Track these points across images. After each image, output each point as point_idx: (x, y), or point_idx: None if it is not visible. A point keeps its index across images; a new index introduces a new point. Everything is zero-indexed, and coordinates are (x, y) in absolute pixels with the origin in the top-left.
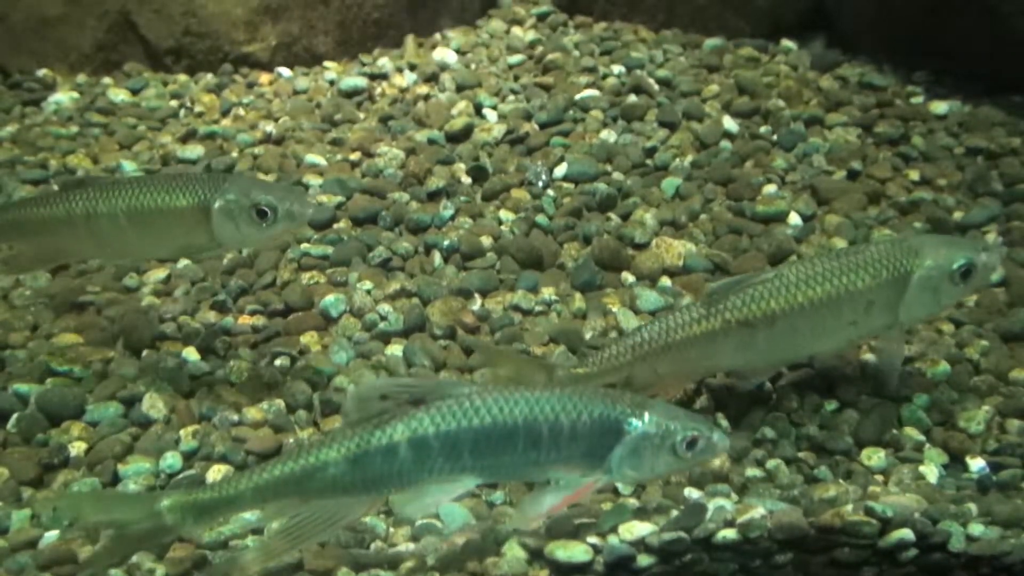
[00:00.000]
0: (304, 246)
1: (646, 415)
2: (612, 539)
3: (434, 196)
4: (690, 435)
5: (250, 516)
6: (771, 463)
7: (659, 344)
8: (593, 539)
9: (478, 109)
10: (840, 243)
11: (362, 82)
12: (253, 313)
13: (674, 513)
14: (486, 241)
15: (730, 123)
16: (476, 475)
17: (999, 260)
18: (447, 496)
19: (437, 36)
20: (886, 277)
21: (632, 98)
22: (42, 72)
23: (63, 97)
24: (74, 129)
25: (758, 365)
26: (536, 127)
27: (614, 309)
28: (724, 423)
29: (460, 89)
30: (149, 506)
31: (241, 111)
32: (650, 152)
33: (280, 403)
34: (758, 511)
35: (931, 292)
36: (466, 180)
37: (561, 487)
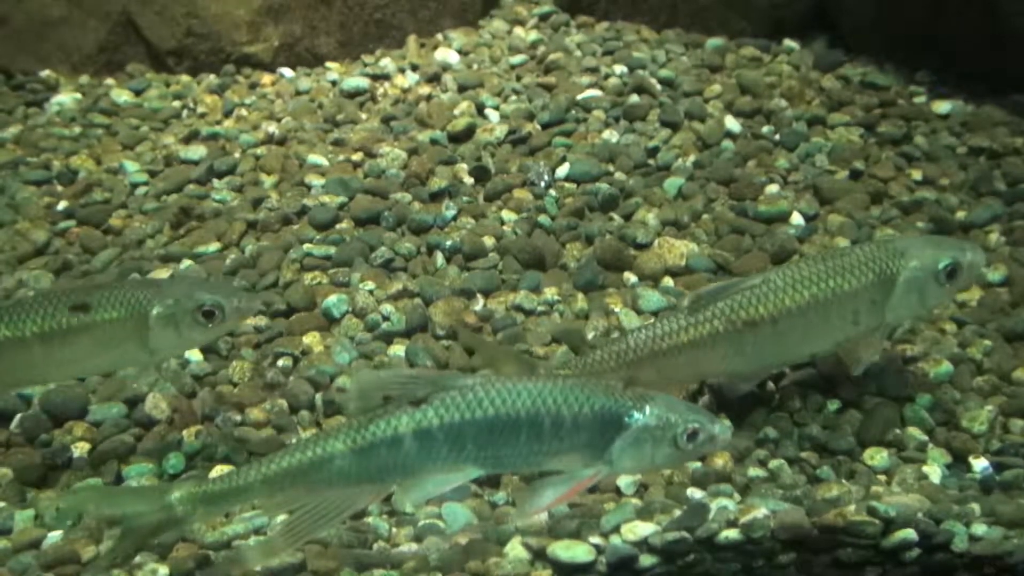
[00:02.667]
0: (306, 246)
1: (647, 408)
2: (615, 539)
3: (436, 196)
4: (691, 427)
5: (257, 520)
6: (774, 463)
7: (645, 352)
8: (595, 539)
9: (480, 109)
10: (843, 243)
11: (364, 82)
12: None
13: (677, 513)
14: (488, 241)
15: (732, 123)
16: (479, 466)
17: (984, 260)
18: (449, 486)
19: (439, 36)
20: (872, 279)
21: (634, 98)
22: (45, 73)
23: (66, 98)
24: (77, 130)
25: (747, 370)
26: (538, 127)
27: (616, 309)
28: (726, 423)
29: (462, 89)
30: (159, 498)
31: (243, 112)
32: (652, 152)
33: (283, 403)
34: (761, 511)
35: (917, 293)
36: (468, 180)
37: (561, 480)
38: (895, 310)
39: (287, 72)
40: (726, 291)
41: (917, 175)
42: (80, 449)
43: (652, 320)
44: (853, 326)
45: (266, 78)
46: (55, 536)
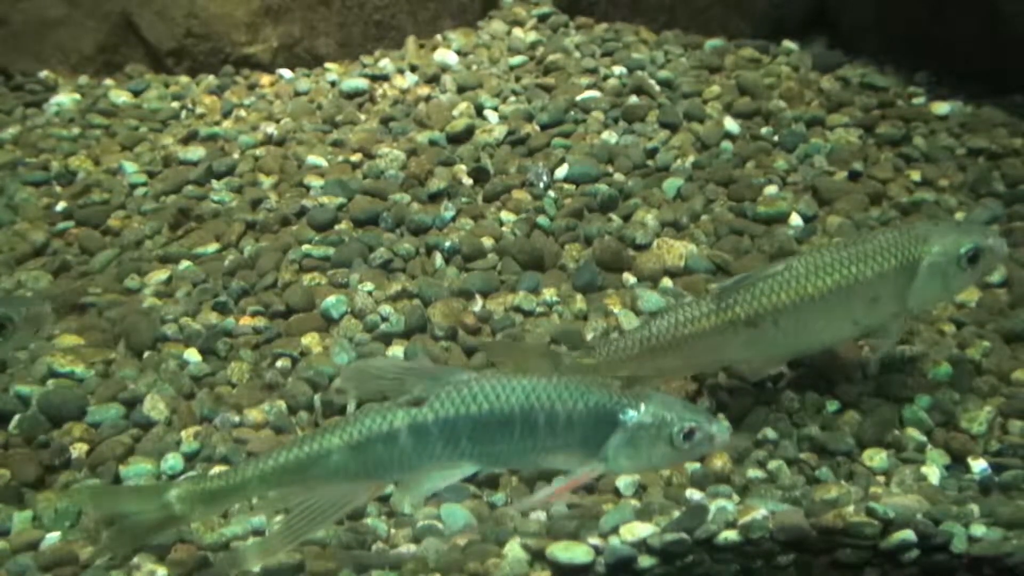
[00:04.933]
0: (305, 247)
1: (643, 406)
2: (613, 540)
3: (435, 197)
4: (687, 426)
5: (255, 521)
6: (773, 464)
7: (668, 338)
8: (594, 540)
9: (479, 110)
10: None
11: (363, 83)
12: (254, 314)
13: (676, 514)
14: (487, 242)
15: (731, 124)
16: (474, 462)
17: (1005, 246)
18: (445, 482)
19: (438, 37)
20: (895, 265)
21: (633, 99)
22: (44, 74)
23: (65, 99)
24: (76, 131)
25: (768, 357)
26: (537, 128)
27: (615, 310)
28: (725, 422)
29: (461, 90)
30: (158, 496)
31: (242, 112)
32: (651, 153)
33: (281, 404)
34: (760, 512)
35: (940, 278)
36: (467, 181)
37: (557, 479)
38: (917, 296)
39: (286, 73)
40: (748, 279)
41: (916, 176)
42: (78, 450)
43: (673, 309)
44: (874, 313)
45: (265, 79)
46: (53, 537)
